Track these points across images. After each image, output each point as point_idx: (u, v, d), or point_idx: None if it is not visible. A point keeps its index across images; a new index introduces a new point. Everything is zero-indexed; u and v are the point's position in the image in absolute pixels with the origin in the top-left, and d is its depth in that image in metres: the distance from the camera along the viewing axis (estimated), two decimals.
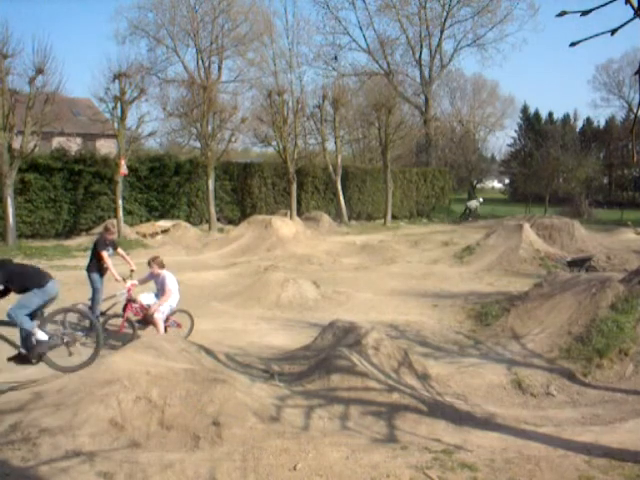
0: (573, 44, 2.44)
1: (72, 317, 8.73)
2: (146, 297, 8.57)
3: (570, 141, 45.18)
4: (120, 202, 20.94)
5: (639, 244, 20.28)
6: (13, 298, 6.67)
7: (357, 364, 6.18)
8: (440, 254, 18.16)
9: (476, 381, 7.17)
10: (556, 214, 29.08)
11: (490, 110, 57.86)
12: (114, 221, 19.53)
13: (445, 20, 42.58)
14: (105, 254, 8.84)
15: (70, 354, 6.73)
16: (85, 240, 19.60)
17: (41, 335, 6.44)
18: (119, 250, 9.19)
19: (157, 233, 21.37)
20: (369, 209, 32.21)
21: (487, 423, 5.82)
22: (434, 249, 19.54)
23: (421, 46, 42.98)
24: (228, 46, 40.15)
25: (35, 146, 19.29)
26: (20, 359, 6.53)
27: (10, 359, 6.55)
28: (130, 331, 8.28)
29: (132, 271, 8.92)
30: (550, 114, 59.04)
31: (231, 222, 25.87)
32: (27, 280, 6.45)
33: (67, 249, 18.28)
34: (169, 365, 5.47)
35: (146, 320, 8.40)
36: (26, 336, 6.43)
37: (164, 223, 22.45)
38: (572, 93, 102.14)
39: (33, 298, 6.42)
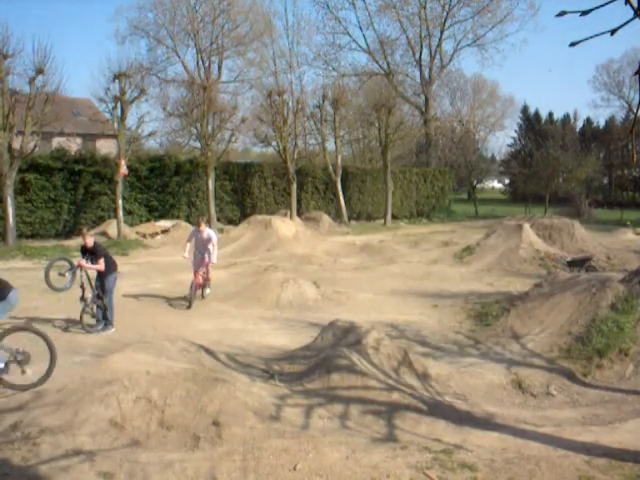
0: (573, 44, 2.44)
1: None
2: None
3: (570, 141, 45.12)
4: (120, 202, 20.93)
5: (639, 244, 20.29)
6: None
7: (357, 364, 6.18)
8: (440, 254, 18.15)
9: (476, 381, 7.16)
10: (556, 214, 29.08)
11: (490, 110, 57.87)
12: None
13: (445, 20, 42.60)
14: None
15: (23, 372, 6.21)
16: None
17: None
18: (82, 261, 9.02)
19: (157, 233, 21.38)
20: (369, 209, 32.20)
21: (487, 423, 5.82)
22: (434, 249, 19.53)
23: (421, 46, 42.99)
24: (228, 46, 40.16)
25: (35, 146, 19.28)
26: None
27: None
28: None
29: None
30: (550, 114, 59.11)
31: (231, 222, 25.87)
32: None
33: (67, 249, 18.27)
34: (169, 365, 5.48)
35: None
36: None
37: (164, 223, 22.47)
38: (572, 93, 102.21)
39: None
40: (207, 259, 11.23)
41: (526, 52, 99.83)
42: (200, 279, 11.16)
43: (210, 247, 11.18)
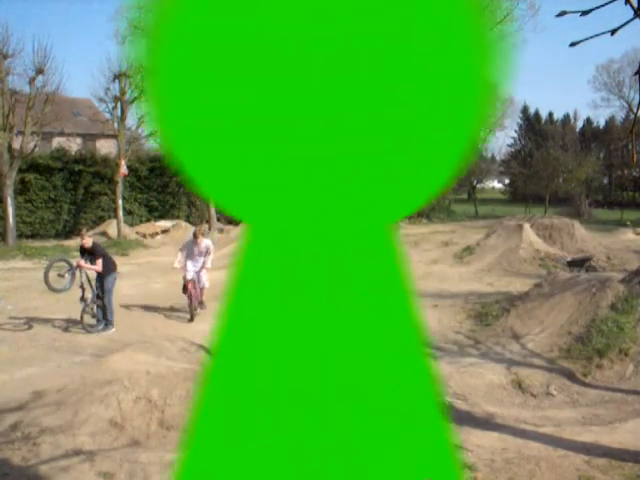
0: (573, 44, 2.44)
1: None
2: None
3: (570, 141, 45.15)
4: (120, 202, 20.94)
5: (639, 244, 20.29)
6: None
7: None
8: (440, 254, 18.14)
9: (476, 381, 7.17)
10: (556, 214, 29.08)
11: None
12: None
13: None
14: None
15: None
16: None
17: None
18: (80, 262, 9.03)
19: (157, 233, 21.38)
20: None
21: (487, 423, 5.82)
22: (434, 249, 19.51)
23: None
24: None
25: (35, 146, 19.30)
26: None
27: None
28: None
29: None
30: (550, 114, 59.00)
31: (231, 222, 25.86)
32: None
33: (67, 249, 18.26)
34: (169, 365, 5.48)
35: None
36: None
37: (164, 223, 22.46)
38: (572, 93, 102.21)
39: None
40: (202, 267, 10.49)
41: (526, 52, 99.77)
42: (193, 289, 10.33)
43: (206, 257, 10.49)
